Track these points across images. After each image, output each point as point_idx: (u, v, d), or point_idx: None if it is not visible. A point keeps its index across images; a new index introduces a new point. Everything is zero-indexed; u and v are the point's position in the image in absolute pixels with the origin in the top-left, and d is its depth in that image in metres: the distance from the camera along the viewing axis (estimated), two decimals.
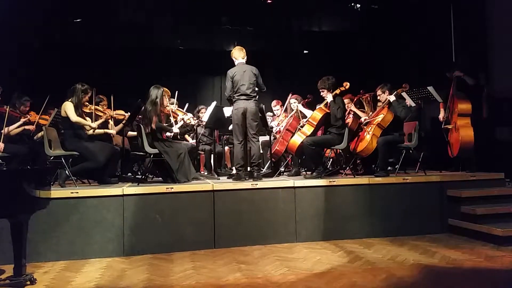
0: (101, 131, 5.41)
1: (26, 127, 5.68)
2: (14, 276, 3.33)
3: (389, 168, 5.64)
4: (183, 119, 5.88)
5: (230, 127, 6.64)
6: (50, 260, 4.12)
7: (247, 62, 5.33)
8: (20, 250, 3.35)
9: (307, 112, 5.93)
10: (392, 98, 5.53)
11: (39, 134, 5.78)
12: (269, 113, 7.16)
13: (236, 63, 5.28)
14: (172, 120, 5.68)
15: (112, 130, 5.57)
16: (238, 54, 5.30)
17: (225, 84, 5.26)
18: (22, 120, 5.59)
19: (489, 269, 3.60)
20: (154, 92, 5.20)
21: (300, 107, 6.11)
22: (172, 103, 6.00)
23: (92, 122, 5.18)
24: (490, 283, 3.32)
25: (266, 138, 6.32)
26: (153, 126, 5.09)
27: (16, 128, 5.55)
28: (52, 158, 4.86)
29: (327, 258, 4.03)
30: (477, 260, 3.86)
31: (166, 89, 5.77)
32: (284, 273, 3.55)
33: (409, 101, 5.83)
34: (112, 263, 4.02)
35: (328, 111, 5.56)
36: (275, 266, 3.76)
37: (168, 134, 5.55)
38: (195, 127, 6.28)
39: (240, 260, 4.00)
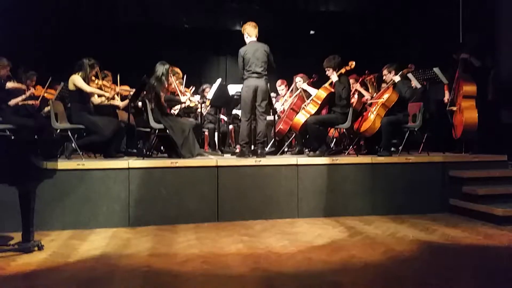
0: (106, 98, 5.44)
1: (30, 101, 5.73)
2: (23, 242, 3.44)
3: (392, 149, 5.67)
4: (189, 99, 5.93)
5: (234, 111, 6.65)
6: (57, 229, 4.21)
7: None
8: (28, 217, 3.44)
9: (312, 91, 5.92)
10: (397, 78, 5.52)
11: (46, 109, 5.84)
12: (272, 93, 7.16)
13: (247, 40, 5.23)
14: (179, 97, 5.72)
15: (119, 102, 5.63)
16: (252, 31, 5.21)
17: (238, 63, 5.22)
18: (28, 93, 5.64)
19: (487, 246, 3.66)
20: (160, 69, 5.22)
21: (305, 86, 6.10)
22: (180, 83, 6.05)
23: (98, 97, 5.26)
24: (487, 259, 3.38)
25: (270, 117, 6.34)
26: (162, 99, 5.13)
27: (21, 101, 5.61)
28: (58, 131, 4.92)
29: (327, 232, 4.11)
30: (476, 238, 3.91)
31: (178, 69, 5.80)
32: (285, 245, 3.63)
33: (415, 82, 5.81)
34: (118, 233, 4.12)
35: (333, 90, 5.57)
36: (277, 239, 3.84)
37: (177, 107, 5.59)
38: (199, 105, 6.31)
39: (243, 233, 4.08)
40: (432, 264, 3.24)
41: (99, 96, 5.25)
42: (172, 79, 5.67)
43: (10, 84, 5.41)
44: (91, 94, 5.10)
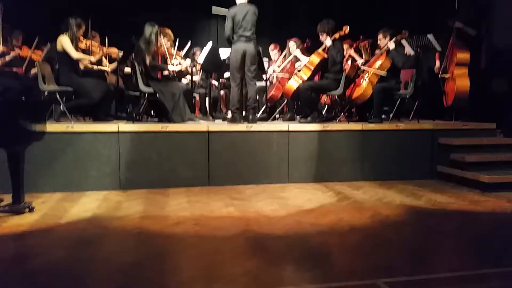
0: (95, 67, 5.32)
1: (15, 69, 5.55)
2: (13, 204, 3.45)
3: (383, 116, 5.68)
4: (180, 63, 5.80)
5: (226, 75, 6.57)
6: (47, 191, 4.21)
7: None
8: (17, 179, 3.44)
9: (304, 59, 5.85)
10: (392, 46, 5.44)
11: (33, 71, 5.69)
12: (264, 58, 7.05)
13: (237, 1, 5.10)
14: (169, 61, 5.59)
15: (107, 67, 5.51)
16: None
17: (225, 24, 5.10)
18: (12, 54, 5.46)
19: (472, 212, 3.76)
20: (148, 30, 5.07)
21: (298, 53, 6.02)
22: (172, 46, 5.91)
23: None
24: (471, 223, 3.48)
25: (262, 83, 6.28)
26: (147, 63, 5.01)
27: (6, 64, 5.44)
28: (46, 93, 4.83)
29: (316, 197, 4.17)
30: (462, 203, 4.01)
31: (169, 31, 5.63)
32: (275, 209, 3.69)
33: (408, 49, 5.74)
34: (109, 196, 4.14)
35: (326, 56, 5.50)
36: (267, 203, 3.90)
37: (165, 73, 5.47)
38: (191, 72, 6.21)
39: (233, 197, 4.13)
40: (418, 228, 3.33)
41: (84, 60, 5.05)
42: (163, 41, 5.53)
43: None
44: (79, 53, 4.93)
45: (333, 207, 3.80)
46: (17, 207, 3.42)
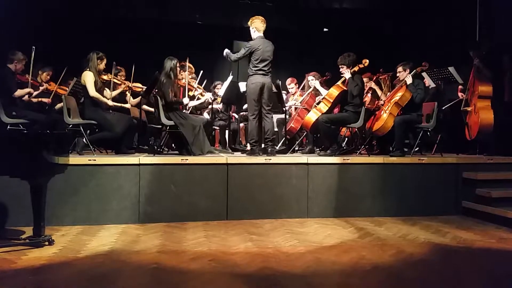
0: (117, 105, 5.44)
1: (43, 99, 5.74)
2: (33, 236, 3.48)
3: (405, 149, 5.58)
4: (201, 93, 5.92)
5: (245, 106, 6.65)
6: (67, 224, 4.25)
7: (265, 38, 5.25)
8: (39, 211, 3.48)
9: (324, 92, 5.88)
10: (409, 80, 5.40)
11: (59, 105, 5.88)
12: (283, 91, 7.12)
13: (255, 35, 5.18)
14: (190, 93, 5.70)
15: (127, 104, 5.65)
16: (261, 27, 5.16)
17: (241, 50, 5.11)
18: (41, 88, 5.68)
19: (500, 250, 3.58)
20: (168, 64, 5.21)
21: (318, 85, 6.06)
22: (193, 78, 6.06)
23: (110, 91, 5.27)
24: (500, 263, 3.31)
25: (281, 116, 6.31)
26: (172, 98, 5.13)
27: (34, 97, 5.63)
28: (70, 126, 4.96)
29: (337, 233, 4.07)
30: (489, 241, 3.84)
31: (190, 65, 5.79)
32: (294, 245, 3.61)
33: (429, 81, 5.72)
34: (127, 229, 4.14)
35: (345, 89, 5.51)
36: (286, 238, 3.82)
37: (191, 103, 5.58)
38: (211, 102, 6.31)
39: (251, 232, 4.07)
40: (443, 267, 3.18)
41: (101, 101, 5.13)
42: (184, 74, 5.66)
43: (17, 93, 5.32)
44: (97, 93, 5.03)
45: (354, 244, 3.69)
46: (37, 240, 3.45)
